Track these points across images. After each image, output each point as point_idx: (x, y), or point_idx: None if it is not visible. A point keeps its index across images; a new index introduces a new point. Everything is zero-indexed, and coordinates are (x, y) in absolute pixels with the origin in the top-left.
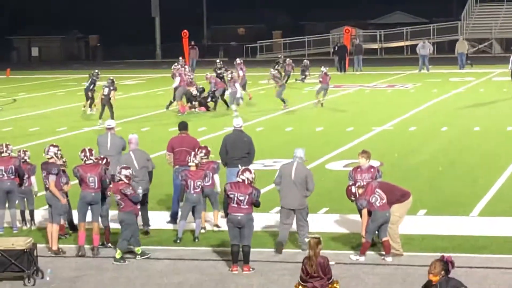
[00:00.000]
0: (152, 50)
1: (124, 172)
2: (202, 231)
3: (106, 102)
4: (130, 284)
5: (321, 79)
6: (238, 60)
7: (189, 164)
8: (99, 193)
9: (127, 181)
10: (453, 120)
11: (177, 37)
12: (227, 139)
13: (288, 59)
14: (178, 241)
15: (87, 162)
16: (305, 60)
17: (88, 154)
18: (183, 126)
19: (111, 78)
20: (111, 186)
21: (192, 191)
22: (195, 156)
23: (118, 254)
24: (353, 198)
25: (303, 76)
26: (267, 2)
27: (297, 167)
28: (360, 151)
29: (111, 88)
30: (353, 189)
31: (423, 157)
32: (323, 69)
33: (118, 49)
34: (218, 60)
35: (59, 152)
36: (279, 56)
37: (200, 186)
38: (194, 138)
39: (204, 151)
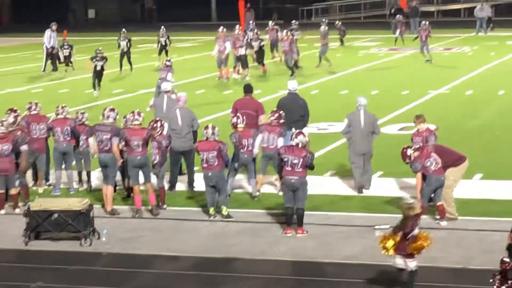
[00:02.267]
0: (207, 12)
1: (211, 130)
2: (257, 193)
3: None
4: (186, 245)
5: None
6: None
7: (238, 126)
8: (145, 156)
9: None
10: (510, 83)
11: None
12: (282, 102)
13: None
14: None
15: (134, 123)
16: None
17: (136, 115)
18: (248, 89)
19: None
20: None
21: (247, 150)
22: (242, 118)
23: (225, 211)
24: (408, 161)
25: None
26: None
27: (365, 114)
28: (415, 117)
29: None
30: (409, 151)
31: (479, 121)
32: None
33: (173, 11)
34: (162, 28)
35: (117, 116)
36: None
37: (251, 146)
38: (258, 101)
39: (276, 114)
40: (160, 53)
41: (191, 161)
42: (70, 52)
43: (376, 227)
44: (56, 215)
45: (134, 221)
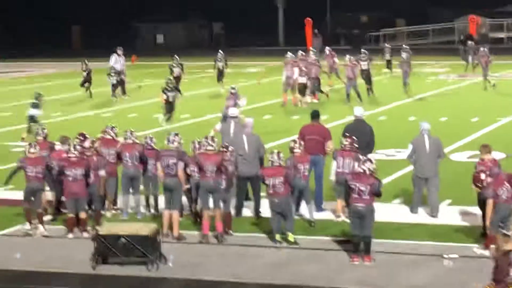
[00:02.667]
0: (275, 38)
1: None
2: (339, 219)
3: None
4: (251, 271)
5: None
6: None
7: (295, 151)
8: (217, 181)
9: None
10: None
11: (300, 25)
12: (348, 129)
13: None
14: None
15: (207, 149)
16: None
17: (209, 141)
18: (315, 115)
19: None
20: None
21: (302, 175)
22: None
23: (291, 237)
24: (480, 185)
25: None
26: None
27: (429, 139)
28: (481, 146)
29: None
30: (482, 176)
31: None
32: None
33: (241, 36)
34: (219, 52)
35: (181, 141)
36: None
37: (307, 171)
38: (325, 127)
39: (350, 140)
40: (218, 79)
41: (257, 187)
42: (117, 80)
43: (445, 256)
44: (123, 239)
45: (200, 246)
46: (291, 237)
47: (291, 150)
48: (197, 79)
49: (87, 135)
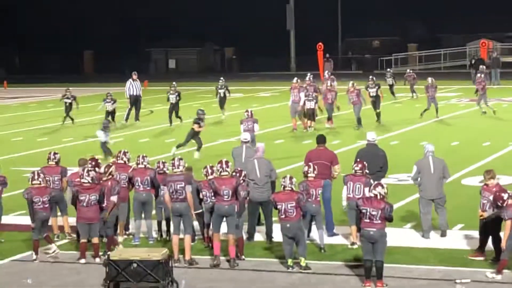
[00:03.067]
0: (286, 62)
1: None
2: (354, 246)
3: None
4: None
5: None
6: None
7: (309, 175)
8: (232, 206)
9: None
10: None
11: (312, 50)
12: (361, 153)
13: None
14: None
15: (222, 174)
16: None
17: (224, 166)
18: (321, 140)
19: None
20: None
21: (314, 200)
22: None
23: (303, 262)
24: (500, 204)
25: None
26: (402, 13)
27: (434, 160)
28: (485, 172)
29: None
30: (505, 196)
31: None
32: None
33: (253, 61)
34: (221, 79)
35: (186, 164)
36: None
37: (320, 196)
38: (332, 152)
39: (360, 165)
40: (221, 106)
41: (269, 212)
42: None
43: (457, 281)
44: (135, 264)
45: (213, 271)
46: (303, 262)
47: (305, 174)
48: (208, 103)
49: (99, 160)
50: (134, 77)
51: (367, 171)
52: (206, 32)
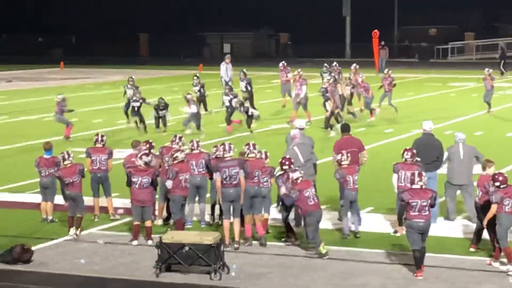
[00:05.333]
0: (341, 49)
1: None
2: (398, 234)
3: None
4: (314, 283)
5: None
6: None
7: (343, 163)
8: (260, 187)
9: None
10: None
11: (368, 37)
12: (418, 143)
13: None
14: (347, 237)
15: (250, 156)
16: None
17: (251, 148)
18: (346, 128)
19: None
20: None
21: (352, 186)
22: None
23: (323, 249)
24: (493, 188)
25: None
26: (460, 2)
27: (464, 147)
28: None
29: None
30: (497, 181)
31: None
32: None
33: (307, 47)
34: (195, 77)
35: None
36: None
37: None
38: (358, 139)
39: (409, 153)
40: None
41: None
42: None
43: (510, 273)
44: (187, 248)
45: (264, 256)
46: (323, 248)
47: (339, 162)
48: (262, 88)
49: (152, 143)
50: (227, 60)
51: (418, 159)
52: (261, 17)
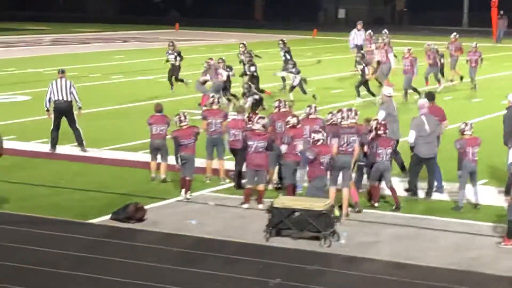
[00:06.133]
0: (459, 17)
1: None
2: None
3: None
4: (424, 254)
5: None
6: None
7: (465, 133)
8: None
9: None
10: None
11: (486, 6)
12: (505, 117)
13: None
14: (461, 210)
15: (343, 123)
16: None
17: (349, 113)
18: (432, 96)
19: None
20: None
21: (471, 158)
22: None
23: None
24: None
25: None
26: None
27: None
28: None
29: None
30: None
31: None
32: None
33: (424, 15)
34: (171, 43)
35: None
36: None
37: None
38: (441, 108)
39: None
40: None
41: (433, 167)
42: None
43: None
44: (298, 213)
45: (374, 226)
46: (336, 212)
47: (462, 132)
48: None
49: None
50: (359, 27)
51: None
52: None
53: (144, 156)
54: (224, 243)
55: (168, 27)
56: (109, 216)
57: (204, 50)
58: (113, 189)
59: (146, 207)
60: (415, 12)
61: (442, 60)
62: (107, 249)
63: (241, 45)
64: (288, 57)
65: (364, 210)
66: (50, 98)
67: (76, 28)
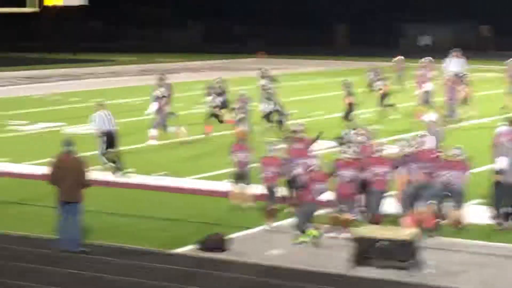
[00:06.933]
0: None
1: None
2: None
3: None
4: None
5: None
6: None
7: None
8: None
9: None
10: None
11: None
12: None
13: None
14: None
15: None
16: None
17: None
18: None
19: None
20: None
21: None
22: None
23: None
24: None
25: None
26: None
27: None
28: None
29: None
30: None
31: None
32: None
33: (510, 40)
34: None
35: None
36: None
37: None
38: None
39: None
40: None
41: None
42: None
43: None
44: (383, 242)
45: (461, 255)
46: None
47: None
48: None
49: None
50: (454, 54)
51: None
52: (460, 9)
53: (226, 185)
54: (308, 273)
55: (248, 55)
56: (193, 246)
57: (290, 78)
58: (196, 218)
59: (229, 236)
60: (501, 38)
61: None
62: (198, 281)
63: (161, 75)
64: (269, 86)
65: (451, 239)
66: None
67: (160, 57)
